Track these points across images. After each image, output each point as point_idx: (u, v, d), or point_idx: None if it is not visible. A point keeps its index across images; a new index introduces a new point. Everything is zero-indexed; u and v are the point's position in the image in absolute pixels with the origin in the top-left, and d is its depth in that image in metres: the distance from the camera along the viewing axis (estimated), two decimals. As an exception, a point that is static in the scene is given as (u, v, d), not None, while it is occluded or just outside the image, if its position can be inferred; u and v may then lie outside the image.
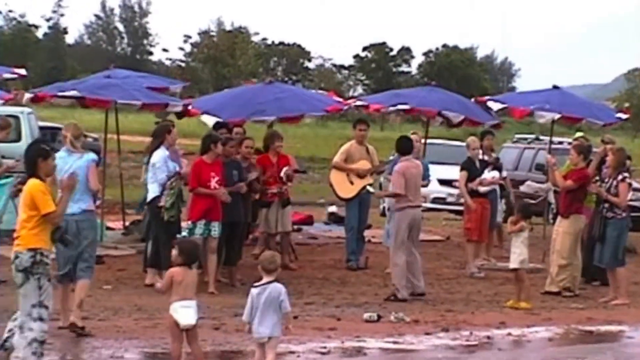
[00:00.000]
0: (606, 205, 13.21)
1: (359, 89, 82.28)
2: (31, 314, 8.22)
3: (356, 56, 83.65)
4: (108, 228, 16.89)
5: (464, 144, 17.04)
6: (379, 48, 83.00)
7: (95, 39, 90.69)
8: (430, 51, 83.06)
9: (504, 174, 16.34)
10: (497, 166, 15.42)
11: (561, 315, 12.05)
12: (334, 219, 19.53)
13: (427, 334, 10.66)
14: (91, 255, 10.26)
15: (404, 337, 10.46)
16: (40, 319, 8.24)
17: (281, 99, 15.70)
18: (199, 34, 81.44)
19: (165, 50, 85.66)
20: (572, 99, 17.42)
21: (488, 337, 10.68)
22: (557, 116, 16.25)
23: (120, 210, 17.75)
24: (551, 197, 17.53)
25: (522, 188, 19.66)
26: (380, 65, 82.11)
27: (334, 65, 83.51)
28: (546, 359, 10.34)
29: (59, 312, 9.95)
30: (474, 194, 14.84)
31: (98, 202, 10.91)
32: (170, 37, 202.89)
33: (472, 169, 14.96)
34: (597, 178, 13.78)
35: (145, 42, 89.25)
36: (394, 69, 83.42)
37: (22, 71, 19.35)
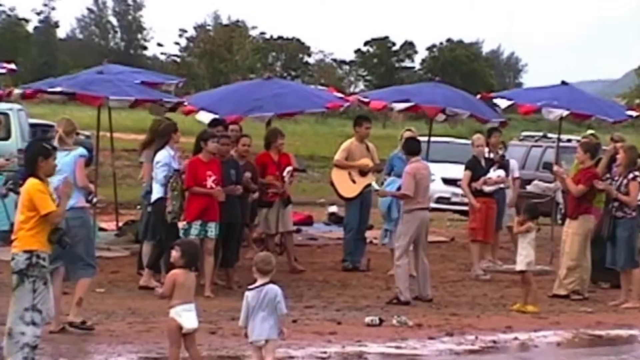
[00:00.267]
0: (616, 204, 13.22)
1: (361, 85, 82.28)
2: (24, 317, 8.23)
3: (357, 51, 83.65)
4: (101, 229, 16.88)
5: (469, 141, 17.05)
6: (381, 42, 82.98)
7: (88, 33, 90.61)
8: (434, 46, 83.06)
9: (516, 174, 16.32)
10: (503, 165, 15.38)
11: (570, 319, 12.04)
12: (335, 219, 19.53)
13: (431, 338, 10.66)
14: (88, 254, 10.30)
15: (407, 341, 10.46)
16: (33, 323, 8.24)
17: (280, 95, 15.70)
18: (195, 28, 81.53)
19: (160, 44, 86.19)
20: (580, 95, 17.41)
21: (494, 342, 10.67)
22: (565, 113, 16.23)
23: (113, 210, 17.75)
24: (559, 197, 17.53)
25: (529, 188, 19.69)
26: (382, 60, 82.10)
27: (335, 61, 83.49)
28: (554, 365, 10.35)
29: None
30: (479, 193, 14.83)
31: (95, 200, 10.86)
32: (165, 32, 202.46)
33: (476, 168, 14.95)
34: (608, 176, 13.78)
35: (139, 36, 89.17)
36: (397, 64, 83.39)
37: (12, 66, 19.34)
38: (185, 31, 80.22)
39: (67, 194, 8.60)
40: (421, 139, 14.43)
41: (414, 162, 12.92)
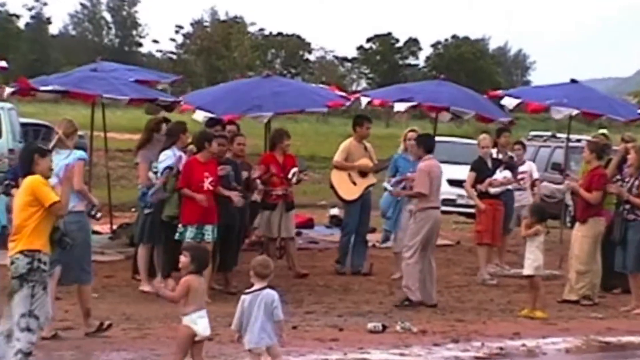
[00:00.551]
0: (627, 206, 13.22)
1: (363, 83, 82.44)
2: (19, 323, 8.27)
3: (360, 48, 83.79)
4: (94, 232, 16.86)
5: (475, 141, 17.05)
6: (384, 39, 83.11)
7: (81, 29, 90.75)
8: (438, 42, 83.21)
9: (535, 175, 16.33)
10: (510, 166, 15.37)
11: (579, 325, 12.04)
12: (336, 222, 19.53)
13: (436, 345, 10.66)
14: (84, 258, 10.34)
15: (411, 348, 10.46)
16: (28, 330, 8.28)
17: (279, 94, 15.71)
18: (192, 24, 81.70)
19: (155, 41, 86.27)
20: (591, 93, 17.42)
21: (501, 349, 10.67)
22: (574, 112, 16.24)
23: (107, 213, 17.75)
24: (568, 199, 17.53)
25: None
26: (385, 57, 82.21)
27: (336, 58, 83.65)
28: (563, 372, 10.37)
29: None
30: (485, 195, 14.82)
31: (99, 215, 10.84)
32: (160, 28, 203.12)
33: (482, 169, 14.93)
34: (618, 178, 13.79)
35: (134, 32, 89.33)
36: (400, 62, 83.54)
37: (3, 63, 19.35)
38: (181, 27, 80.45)
39: (68, 179, 8.76)
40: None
41: (428, 159, 12.95)
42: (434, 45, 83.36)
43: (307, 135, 43.74)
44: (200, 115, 15.17)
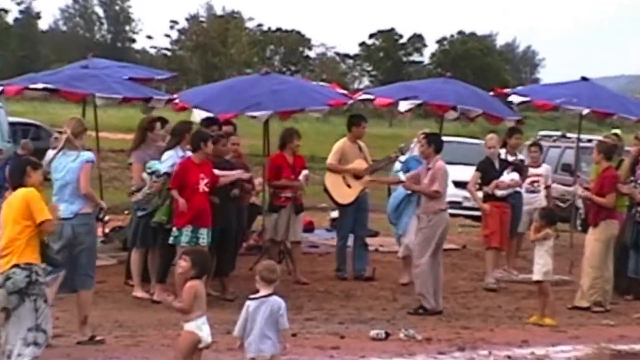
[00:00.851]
0: (639, 209, 13.22)
1: (365, 81, 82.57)
2: (26, 338, 8.30)
3: (362, 44, 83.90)
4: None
5: (481, 142, 17.05)
6: (388, 35, 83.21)
7: (72, 24, 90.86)
8: (444, 38, 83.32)
9: (549, 181, 16.33)
10: (518, 168, 15.33)
11: (590, 333, 12.05)
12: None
13: (441, 353, 10.66)
14: (89, 263, 10.36)
15: (415, 356, 10.47)
16: (35, 344, 8.34)
17: (278, 92, 15.70)
18: (187, 19, 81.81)
19: (149, 37, 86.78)
20: (602, 91, 17.40)
21: (508, 357, 10.68)
22: (585, 111, 16.24)
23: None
24: (579, 202, 17.53)
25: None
26: (389, 54, 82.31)
27: (338, 54, 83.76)
28: (573, 381, 10.38)
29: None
30: (491, 197, 14.81)
31: (107, 219, 10.86)
32: (154, 23, 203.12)
33: (488, 170, 14.91)
34: (631, 179, 13.79)
35: (127, 28, 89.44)
36: (404, 59, 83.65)
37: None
38: (176, 22, 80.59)
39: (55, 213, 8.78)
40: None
41: (439, 160, 12.99)
42: (439, 42, 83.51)
43: (307, 135, 43.66)
44: (197, 115, 15.16)
